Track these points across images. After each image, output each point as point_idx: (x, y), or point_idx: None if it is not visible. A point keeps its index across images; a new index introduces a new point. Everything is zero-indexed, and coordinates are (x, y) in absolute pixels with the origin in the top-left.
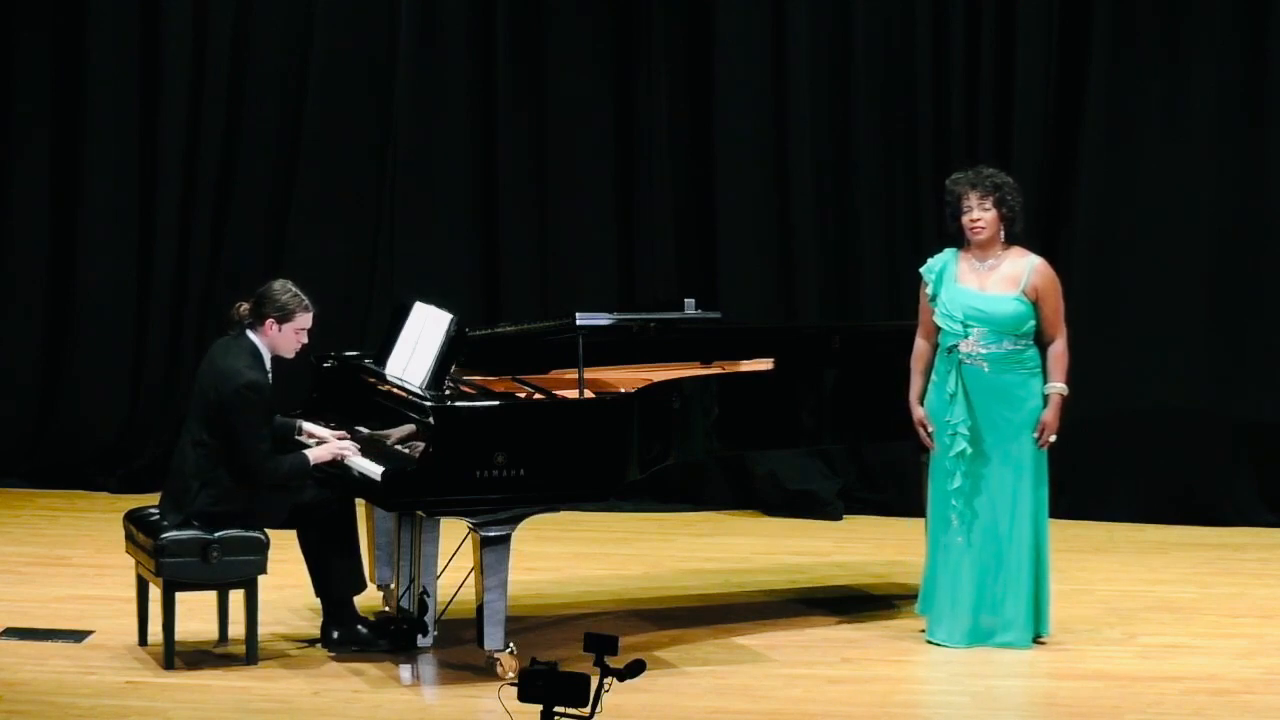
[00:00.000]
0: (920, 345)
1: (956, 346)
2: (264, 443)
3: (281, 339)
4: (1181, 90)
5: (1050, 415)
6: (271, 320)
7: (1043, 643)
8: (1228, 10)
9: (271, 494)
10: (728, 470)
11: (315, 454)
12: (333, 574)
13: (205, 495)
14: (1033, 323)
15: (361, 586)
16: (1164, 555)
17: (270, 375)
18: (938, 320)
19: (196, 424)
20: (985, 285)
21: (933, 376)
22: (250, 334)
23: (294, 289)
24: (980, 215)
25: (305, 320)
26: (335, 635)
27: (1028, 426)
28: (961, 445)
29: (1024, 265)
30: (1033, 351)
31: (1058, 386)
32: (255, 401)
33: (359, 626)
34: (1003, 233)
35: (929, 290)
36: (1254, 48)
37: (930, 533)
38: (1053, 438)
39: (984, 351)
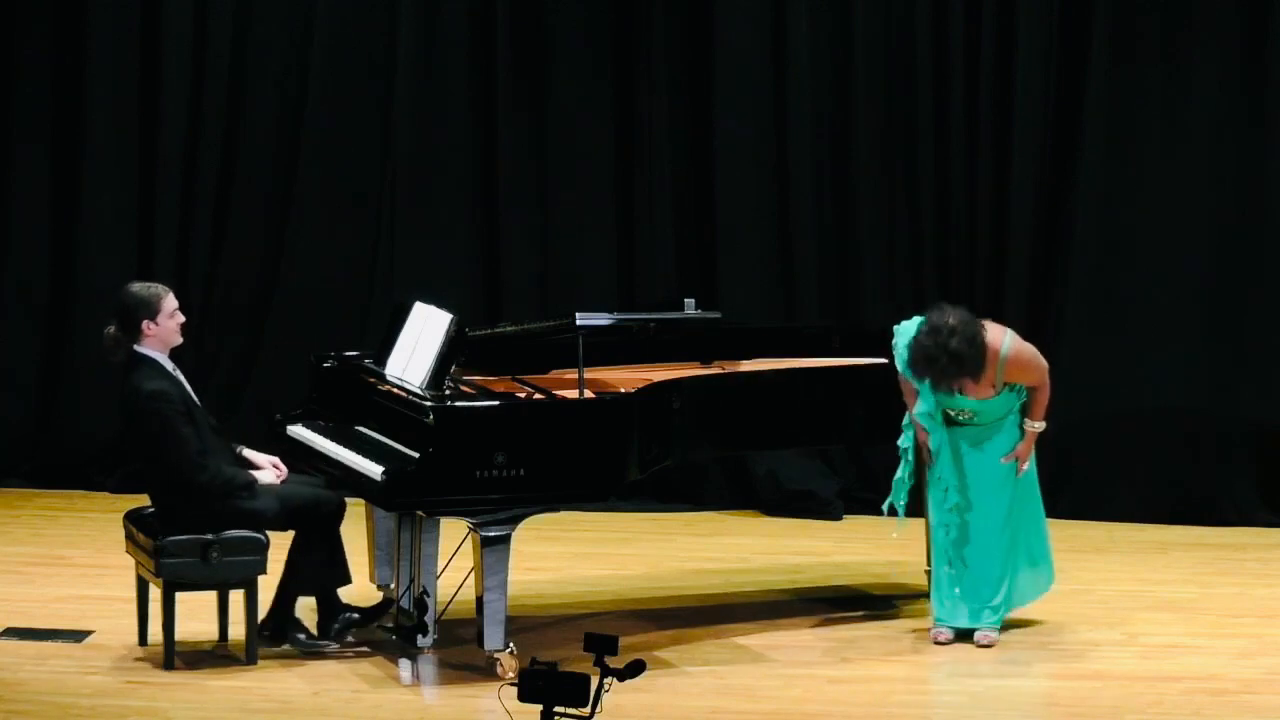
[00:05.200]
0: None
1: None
2: (189, 444)
3: (164, 331)
4: (1181, 91)
5: (1024, 447)
6: (145, 320)
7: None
8: (1228, 11)
9: (225, 504)
10: (728, 470)
11: (265, 478)
12: (309, 568)
13: (180, 512)
14: (1022, 398)
15: (345, 580)
16: (1164, 555)
17: (179, 375)
18: (918, 419)
19: (135, 457)
20: (969, 392)
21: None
22: (137, 349)
23: (141, 283)
24: (956, 388)
25: (171, 301)
26: (336, 626)
27: (1011, 441)
28: (954, 500)
29: (995, 365)
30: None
31: (1036, 425)
32: (164, 409)
33: (325, 623)
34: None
35: (916, 390)
36: (1254, 48)
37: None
38: (1025, 467)
39: (976, 425)
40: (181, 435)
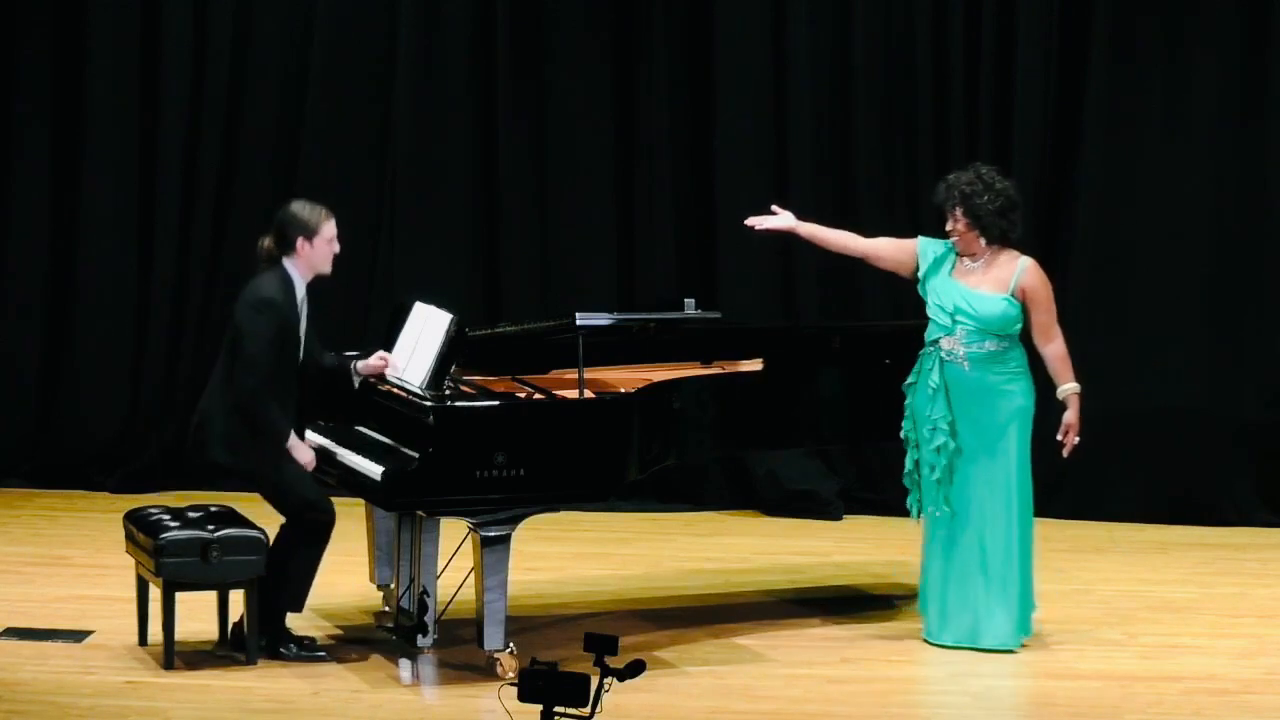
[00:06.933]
0: (864, 241)
1: (939, 342)
2: (261, 359)
3: (316, 254)
4: (1182, 90)
5: (1072, 415)
6: (301, 240)
7: (1025, 645)
8: (1228, 11)
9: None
10: (728, 470)
11: (296, 444)
12: (298, 582)
13: (222, 435)
14: (1019, 325)
15: (298, 608)
16: (1164, 555)
17: (303, 307)
18: (929, 310)
19: (224, 360)
20: (975, 284)
21: (916, 373)
22: (284, 263)
23: (309, 203)
24: (951, 226)
25: (332, 227)
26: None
27: (1008, 427)
28: (941, 439)
29: (1014, 267)
30: (1016, 353)
31: (1072, 386)
32: (264, 316)
33: (290, 644)
34: (981, 239)
35: (920, 272)
36: (1254, 47)
37: (925, 532)
38: (1076, 439)
39: (965, 350)
40: (260, 346)
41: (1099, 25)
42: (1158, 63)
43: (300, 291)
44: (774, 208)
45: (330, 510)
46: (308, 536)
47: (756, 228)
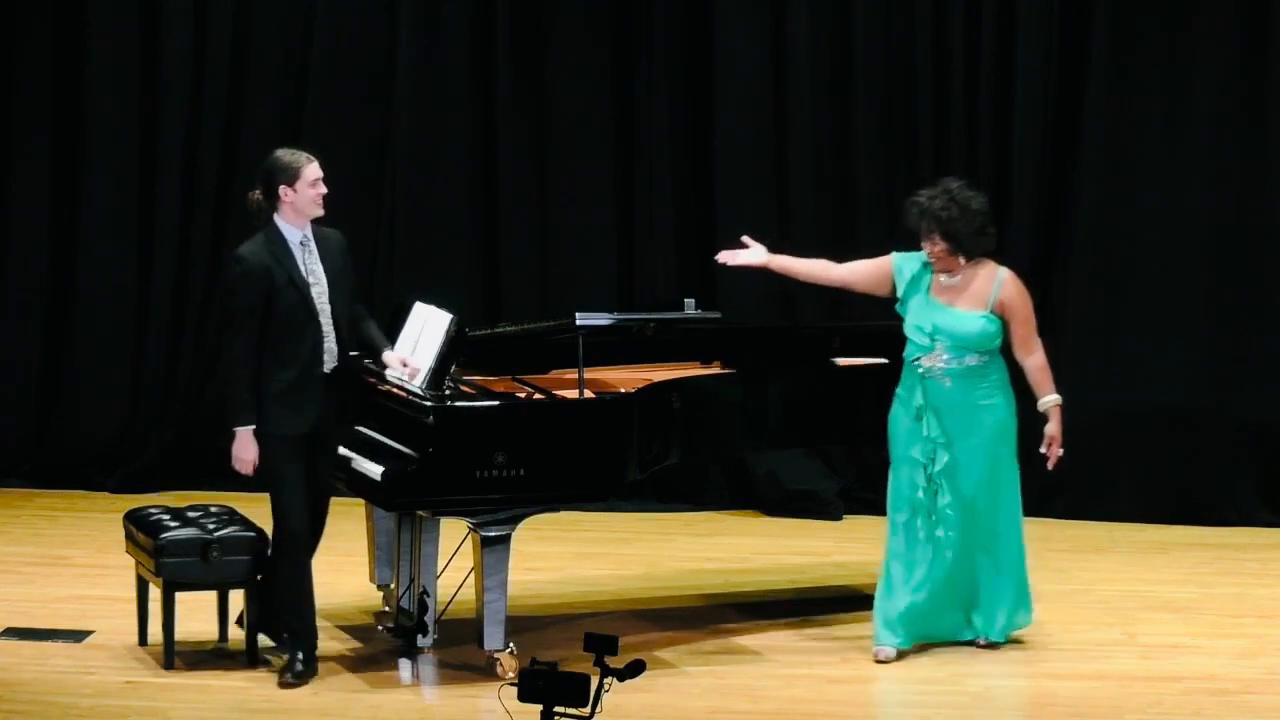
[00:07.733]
0: (839, 269)
1: (919, 360)
2: (235, 314)
3: (301, 199)
4: (1181, 91)
5: (1054, 427)
6: (284, 186)
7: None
8: (1228, 11)
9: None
10: (728, 470)
11: (242, 435)
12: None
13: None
14: (999, 340)
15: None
16: (1164, 555)
17: (306, 254)
18: (907, 330)
19: None
20: (954, 301)
21: (899, 391)
22: (275, 218)
23: (290, 149)
24: (929, 250)
25: (314, 170)
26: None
27: (991, 440)
28: (944, 459)
29: (992, 281)
30: (996, 365)
31: (1054, 398)
32: (230, 271)
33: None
34: (961, 259)
35: (898, 292)
36: (1254, 47)
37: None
38: (1060, 451)
39: (945, 367)
40: (230, 302)
41: (1099, 25)
42: (1158, 63)
43: (296, 238)
44: (745, 239)
45: (297, 527)
46: (276, 553)
47: (729, 263)
